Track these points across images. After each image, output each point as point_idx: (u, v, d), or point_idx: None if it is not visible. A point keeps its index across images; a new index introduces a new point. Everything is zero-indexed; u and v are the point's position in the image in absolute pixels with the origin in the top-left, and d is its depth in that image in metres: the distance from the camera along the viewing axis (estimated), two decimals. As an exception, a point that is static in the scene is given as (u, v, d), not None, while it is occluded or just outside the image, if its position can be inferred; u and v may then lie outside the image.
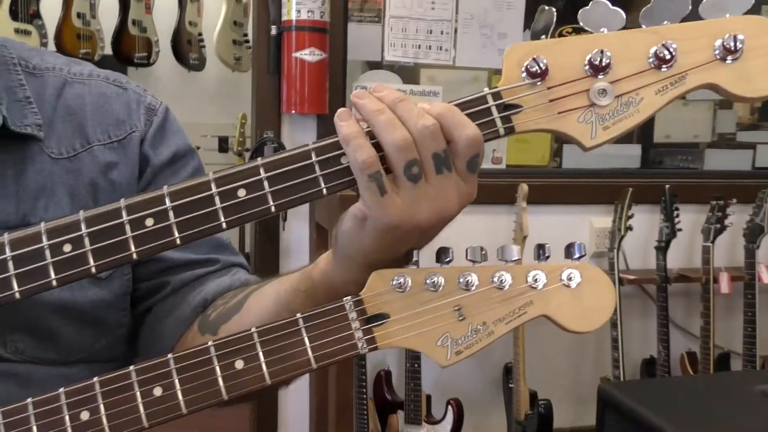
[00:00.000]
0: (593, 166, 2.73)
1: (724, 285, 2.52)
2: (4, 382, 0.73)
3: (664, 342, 2.51)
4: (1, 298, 0.60)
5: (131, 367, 0.57)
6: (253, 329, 0.57)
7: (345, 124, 0.58)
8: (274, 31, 2.11)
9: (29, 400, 0.58)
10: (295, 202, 0.60)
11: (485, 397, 2.58)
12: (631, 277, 2.49)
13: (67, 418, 0.57)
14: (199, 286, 0.82)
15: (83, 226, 0.60)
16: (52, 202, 0.77)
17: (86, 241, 0.60)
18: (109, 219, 0.60)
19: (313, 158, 0.60)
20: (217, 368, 0.57)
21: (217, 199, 0.60)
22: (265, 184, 0.60)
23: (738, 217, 2.47)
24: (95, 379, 0.58)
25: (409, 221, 0.58)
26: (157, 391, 0.57)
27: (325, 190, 0.59)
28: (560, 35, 0.61)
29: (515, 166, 2.60)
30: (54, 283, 0.60)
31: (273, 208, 0.60)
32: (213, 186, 0.60)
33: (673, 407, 1.56)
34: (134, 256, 0.60)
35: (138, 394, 0.57)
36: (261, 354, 0.57)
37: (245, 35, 3.94)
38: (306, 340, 0.57)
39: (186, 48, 3.79)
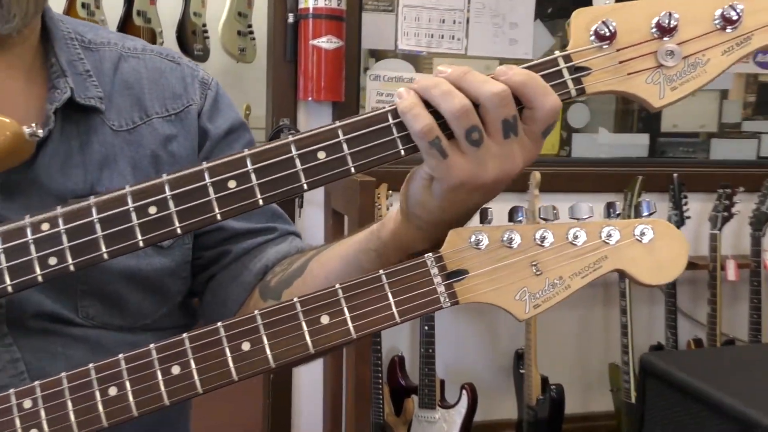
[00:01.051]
0: (602, 155, 2.76)
1: (731, 272, 2.56)
2: (78, 346, 0.75)
3: (672, 328, 2.55)
4: (90, 258, 0.62)
5: (219, 324, 0.59)
6: (338, 285, 0.59)
7: (402, 99, 0.61)
8: (291, 18, 2.13)
9: (121, 355, 0.60)
10: (374, 163, 0.62)
11: (495, 382, 2.61)
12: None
13: (159, 372, 0.59)
14: (258, 254, 0.84)
15: (167, 189, 0.62)
16: (116, 172, 0.79)
17: (171, 203, 0.62)
18: (192, 181, 0.62)
19: (390, 120, 0.62)
20: (303, 323, 0.59)
21: (297, 161, 0.62)
22: (344, 146, 0.62)
23: (744, 205, 2.51)
24: (185, 335, 0.60)
25: (474, 180, 0.60)
26: (246, 346, 0.59)
27: (403, 152, 0.61)
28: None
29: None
30: (140, 243, 0.62)
31: (353, 169, 0.62)
32: (293, 148, 0.62)
33: (716, 375, 1.57)
34: (218, 217, 0.62)
35: (227, 349, 0.59)
36: (346, 309, 0.59)
37: (249, 26, 3.95)
38: (389, 295, 0.59)
39: (190, 39, 3.79)
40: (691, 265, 2.57)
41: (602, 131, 2.81)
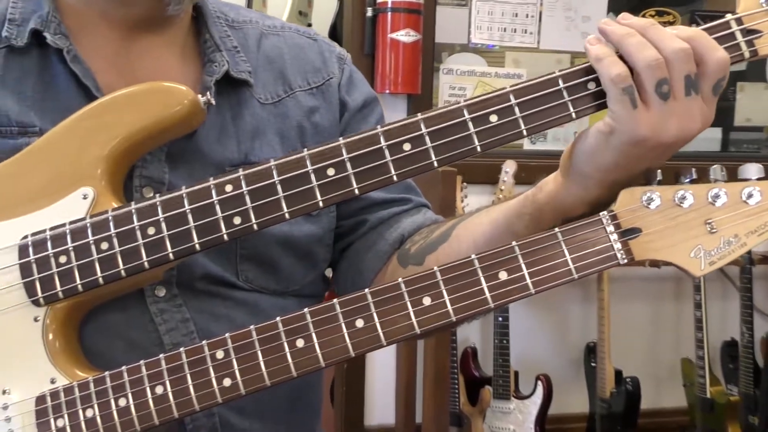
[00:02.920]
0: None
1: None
2: (239, 309, 0.78)
3: (748, 324, 2.51)
4: (273, 218, 0.65)
5: (399, 280, 0.62)
6: (514, 243, 0.61)
7: (595, 46, 0.62)
8: (369, 12, 2.16)
9: (306, 309, 0.63)
10: (544, 126, 0.64)
11: (564, 375, 2.60)
12: (715, 257, 2.50)
13: (343, 325, 0.62)
14: (394, 224, 0.87)
15: (344, 152, 0.65)
16: (265, 143, 0.82)
17: (348, 165, 0.65)
18: (368, 144, 0.65)
19: (561, 84, 0.64)
20: (482, 279, 0.61)
21: (470, 124, 0.64)
22: (516, 109, 0.64)
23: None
24: (366, 290, 0.62)
25: (657, 137, 0.61)
26: (426, 301, 0.61)
27: (574, 114, 0.63)
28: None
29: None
30: (320, 204, 0.65)
31: (525, 132, 0.64)
32: (465, 112, 0.64)
33: None
34: (394, 178, 0.65)
35: (408, 303, 0.61)
36: (524, 265, 0.61)
37: (309, 25, 4.01)
38: (566, 251, 0.60)
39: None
40: (765, 260, 2.54)
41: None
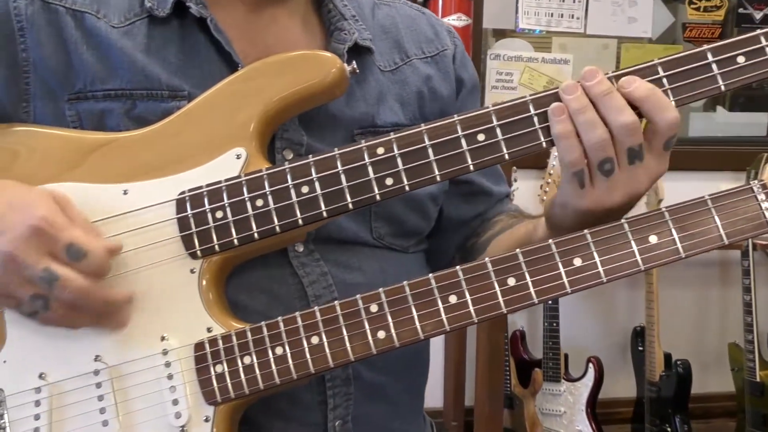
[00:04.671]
0: (719, 134, 2.74)
1: None
2: (370, 263, 0.81)
3: (798, 310, 2.51)
4: (424, 180, 0.68)
5: (550, 241, 0.65)
6: (664, 208, 0.64)
7: (559, 120, 0.66)
8: (422, -2, 2.18)
9: (458, 267, 0.66)
10: (693, 98, 0.66)
11: (610, 360, 2.62)
12: (764, 242, 2.49)
13: (495, 283, 0.64)
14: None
15: (494, 119, 0.68)
16: (387, 107, 0.85)
17: (498, 131, 0.68)
18: (518, 112, 0.68)
19: (710, 58, 0.66)
20: (633, 242, 0.63)
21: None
22: (664, 81, 0.66)
23: None
24: (518, 250, 0.65)
25: (602, 206, 0.68)
26: (577, 262, 0.64)
27: (722, 87, 0.66)
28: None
29: (644, 134, 2.63)
30: (471, 168, 0.68)
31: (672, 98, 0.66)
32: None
33: None
34: (543, 145, 0.67)
35: (559, 264, 0.64)
36: (673, 230, 0.63)
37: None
38: (716, 218, 0.63)
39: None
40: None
41: (720, 110, 2.78)
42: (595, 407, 2.33)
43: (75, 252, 0.65)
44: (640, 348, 2.44)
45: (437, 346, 2.49)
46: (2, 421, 0.70)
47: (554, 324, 2.31)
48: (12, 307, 0.69)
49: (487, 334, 2.06)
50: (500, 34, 2.52)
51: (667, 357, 2.37)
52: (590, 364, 2.31)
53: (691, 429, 2.39)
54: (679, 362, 2.32)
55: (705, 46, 0.66)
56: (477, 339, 2.16)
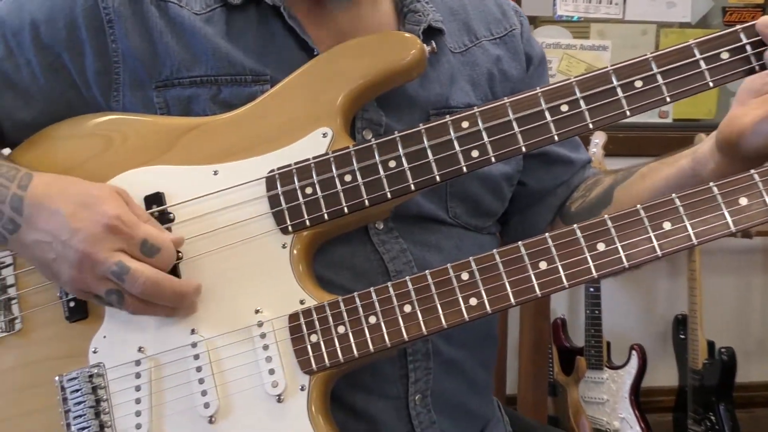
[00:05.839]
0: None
1: None
2: (447, 242, 0.83)
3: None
4: (510, 151, 0.70)
5: (638, 206, 0.66)
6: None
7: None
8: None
9: (546, 234, 0.67)
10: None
11: (653, 348, 2.61)
12: (808, 230, 2.48)
13: (585, 248, 0.66)
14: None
15: (576, 90, 0.69)
16: (459, 89, 0.87)
17: (581, 102, 0.69)
18: (600, 83, 0.69)
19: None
20: (722, 204, 0.64)
21: (702, 63, 0.68)
22: (748, 48, 0.67)
23: None
24: (606, 216, 0.66)
25: None
26: (666, 225, 0.65)
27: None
28: None
29: (682, 120, 2.62)
30: (555, 138, 0.69)
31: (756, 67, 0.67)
32: (696, 52, 0.68)
33: None
34: (627, 113, 0.69)
35: (649, 228, 0.65)
36: (763, 192, 0.64)
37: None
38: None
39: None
40: None
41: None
42: (638, 395, 2.32)
43: (149, 248, 0.69)
44: (682, 336, 2.43)
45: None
46: (105, 394, 0.73)
47: (596, 312, 2.31)
48: (91, 300, 0.73)
49: (532, 321, 2.07)
50: (538, 21, 2.53)
51: (710, 345, 2.36)
52: (633, 352, 2.31)
53: (735, 418, 2.38)
54: (723, 350, 2.30)
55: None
56: (520, 327, 2.16)
